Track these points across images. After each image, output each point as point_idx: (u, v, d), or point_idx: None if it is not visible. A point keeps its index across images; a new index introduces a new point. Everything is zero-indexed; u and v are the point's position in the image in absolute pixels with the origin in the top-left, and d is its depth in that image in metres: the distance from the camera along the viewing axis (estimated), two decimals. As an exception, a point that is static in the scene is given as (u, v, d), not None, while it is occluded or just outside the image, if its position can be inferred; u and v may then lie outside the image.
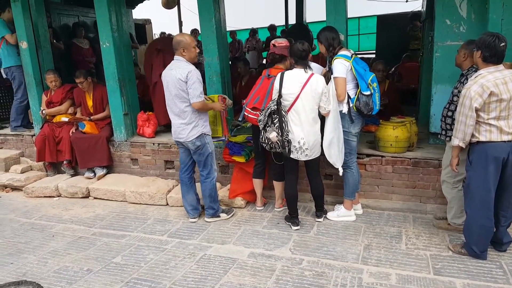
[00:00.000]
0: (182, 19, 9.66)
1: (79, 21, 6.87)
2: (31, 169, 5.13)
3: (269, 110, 3.15)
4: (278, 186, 3.70)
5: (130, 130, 4.74)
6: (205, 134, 3.37)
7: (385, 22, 8.19)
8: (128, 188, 4.27)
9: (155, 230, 3.60)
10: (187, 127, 3.33)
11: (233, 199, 3.92)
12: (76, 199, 4.50)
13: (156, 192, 4.15)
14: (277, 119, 3.14)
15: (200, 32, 9.89)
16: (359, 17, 10.46)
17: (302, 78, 3.12)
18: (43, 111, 4.92)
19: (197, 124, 3.33)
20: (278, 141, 3.14)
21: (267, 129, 3.17)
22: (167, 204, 4.15)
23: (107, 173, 4.75)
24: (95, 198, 4.47)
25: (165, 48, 4.83)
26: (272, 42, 3.55)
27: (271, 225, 3.51)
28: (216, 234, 3.42)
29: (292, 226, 3.39)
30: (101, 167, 4.68)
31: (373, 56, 8.53)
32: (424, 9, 5.52)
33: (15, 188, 4.89)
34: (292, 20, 9.77)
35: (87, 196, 4.50)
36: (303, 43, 3.18)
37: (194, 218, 3.67)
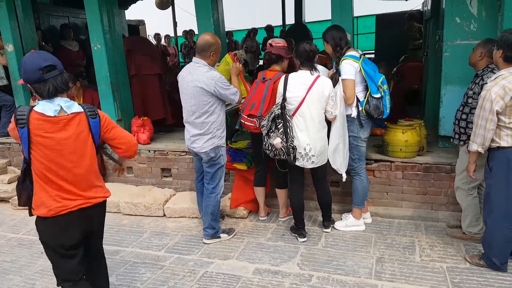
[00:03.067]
0: (176, 20, 9.43)
1: (69, 22, 6.62)
2: (19, 179, 4.86)
3: (272, 114, 2.95)
4: (281, 194, 3.50)
5: (123, 136, 4.49)
6: (220, 146, 3.12)
7: (384, 22, 8.04)
8: (123, 198, 4.04)
9: (152, 244, 3.37)
10: (203, 137, 3.06)
11: (235, 209, 3.71)
12: (67, 211, 4.25)
13: (152, 202, 3.92)
14: (281, 124, 2.94)
15: (196, 33, 9.72)
16: (357, 17, 10.31)
17: (308, 80, 2.93)
18: (31, 118, 4.67)
19: (214, 135, 3.06)
20: (282, 148, 2.94)
21: (271, 134, 2.97)
22: (164, 215, 3.93)
23: (100, 182, 4.50)
24: (87, 209, 4.22)
25: (135, 48, 4.72)
26: (269, 41, 3.36)
27: (276, 237, 3.30)
28: (217, 248, 3.20)
29: (298, 238, 3.19)
30: (93, 176, 4.43)
31: (372, 56, 8.39)
32: (428, 8, 5.38)
33: (1, 200, 4.62)
34: (290, 20, 9.60)
35: (78, 207, 4.25)
36: (310, 44, 2.98)
37: None
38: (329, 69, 3.34)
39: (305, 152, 2.99)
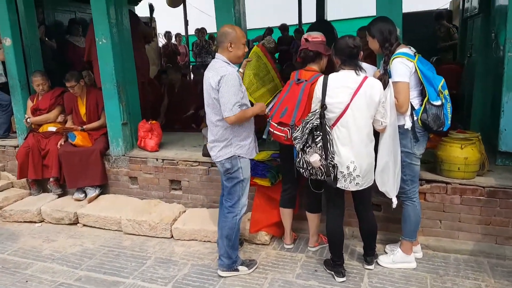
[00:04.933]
0: (188, 18, 8.95)
1: (75, 17, 6.17)
2: (12, 186, 4.38)
3: (309, 125, 2.38)
4: (313, 219, 2.92)
5: (129, 142, 3.98)
6: (239, 156, 2.58)
7: (411, 21, 7.39)
8: (125, 214, 3.50)
9: (157, 275, 2.81)
10: (218, 144, 2.58)
11: (255, 233, 3.14)
12: (62, 226, 3.73)
13: (158, 221, 3.37)
14: (320, 138, 2.37)
15: (207, 32, 9.22)
16: (375, 16, 9.66)
17: (353, 82, 2.36)
18: (28, 119, 4.19)
19: (230, 142, 2.56)
20: (321, 166, 2.37)
21: (307, 150, 2.40)
22: (172, 236, 3.38)
23: (101, 193, 3.98)
24: (84, 225, 3.70)
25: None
26: (305, 36, 2.80)
27: (307, 274, 2.71)
28: (235, 285, 2.63)
29: (335, 276, 2.60)
30: (93, 187, 3.92)
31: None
32: (473, 4, 4.78)
33: (-9, 210, 4.14)
34: (306, 19, 9.02)
35: (75, 222, 3.73)
36: (354, 38, 2.42)
37: None
38: None
39: (348, 172, 2.41)
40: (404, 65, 2.44)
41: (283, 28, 8.78)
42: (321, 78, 2.45)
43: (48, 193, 4.19)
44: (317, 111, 2.42)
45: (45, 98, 4.23)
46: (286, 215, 3.01)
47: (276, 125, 2.66)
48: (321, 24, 6.95)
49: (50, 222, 3.79)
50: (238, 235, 2.75)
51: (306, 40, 2.72)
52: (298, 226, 3.21)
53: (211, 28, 8.75)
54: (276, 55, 8.80)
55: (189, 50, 9.56)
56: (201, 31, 8.42)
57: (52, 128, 4.04)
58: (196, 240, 3.30)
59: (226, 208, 2.70)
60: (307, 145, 2.40)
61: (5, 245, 3.43)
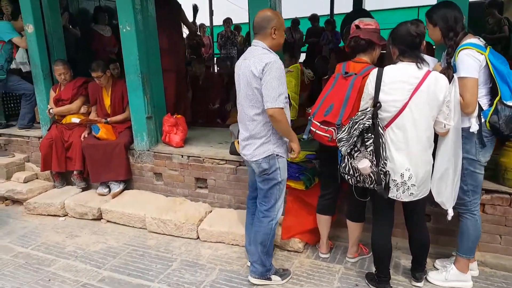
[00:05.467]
0: (213, 8, 8.66)
1: (99, 5, 6.01)
2: (37, 178, 4.30)
3: (360, 126, 2.09)
4: (355, 228, 2.65)
5: (154, 137, 3.79)
6: (277, 155, 2.33)
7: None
8: (149, 212, 3.33)
9: (183, 280, 2.62)
10: (253, 141, 2.33)
11: (288, 240, 2.90)
12: (85, 221, 3.61)
13: (184, 221, 3.18)
14: (371, 141, 2.08)
15: (233, 22, 8.86)
16: (419, 6, 9.04)
17: (414, 77, 2.05)
18: (50, 110, 4.06)
19: (268, 139, 2.31)
20: (371, 174, 2.08)
21: (355, 154, 2.12)
22: (198, 237, 3.18)
23: (125, 188, 3.83)
24: (108, 221, 3.56)
25: None
26: (356, 22, 2.48)
27: (348, 289, 2.46)
28: (268, 298, 2.41)
29: (381, 294, 2.34)
30: (117, 182, 3.77)
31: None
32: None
33: (15, 201, 4.07)
34: (339, 9, 8.54)
35: (99, 218, 3.60)
36: (417, 24, 2.10)
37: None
38: None
39: (402, 180, 2.12)
40: (473, 58, 2.10)
41: (313, 18, 8.36)
42: (375, 71, 2.14)
43: (72, 186, 4.09)
44: (368, 110, 2.13)
45: (67, 88, 4.09)
46: (324, 222, 2.75)
47: (319, 124, 2.39)
48: (359, 14, 6.47)
49: (74, 217, 3.68)
50: (273, 241, 2.53)
51: (357, 27, 2.41)
52: (334, 233, 2.95)
53: (237, 18, 8.42)
54: (304, 48, 8.42)
55: (213, 42, 9.26)
56: (226, 22, 8.09)
57: (75, 120, 3.90)
58: (224, 243, 3.10)
59: (261, 212, 2.47)
60: (356, 148, 2.12)
61: (29, 239, 3.33)
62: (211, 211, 3.39)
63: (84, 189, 3.98)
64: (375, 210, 2.35)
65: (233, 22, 8.79)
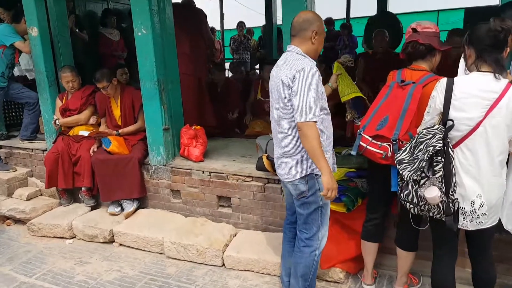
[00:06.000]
0: (224, 11, 8.36)
1: (108, 7, 5.71)
2: (41, 194, 3.97)
3: (429, 148, 1.76)
4: (406, 257, 2.32)
5: (171, 150, 3.47)
6: (317, 174, 2.02)
7: (476, 17, 6.56)
8: (168, 235, 3.00)
9: (213, 322, 2.31)
10: (288, 159, 2.05)
11: (328, 269, 2.58)
12: (95, 245, 3.28)
13: (207, 246, 2.86)
14: (440, 165, 1.76)
15: (246, 26, 8.53)
16: (438, 10, 8.78)
17: (491, 91, 1.72)
18: (57, 121, 3.74)
19: (304, 157, 2.01)
20: (440, 203, 1.76)
21: (423, 182, 1.79)
22: (223, 265, 2.86)
23: (138, 207, 3.50)
24: (121, 245, 3.23)
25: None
26: (413, 25, 2.18)
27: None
28: None
29: None
30: (130, 200, 3.44)
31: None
32: None
33: (17, 221, 3.73)
34: (355, 13, 8.26)
35: (110, 241, 3.27)
36: (503, 18, 1.78)
37: None
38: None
39: (471, 209, 1.80)
40: None
41: (328, 22, 8.08)
42: (443, 82, 1.83)
43: (79, 204, 3.76)
44: (436, 128, 1.81)
45: (75, 97, 3.77)
46: (369, 250, 2.43)
47: (370, 139, 2.08)
48: (385, 17, 6.17)
49: (82, 239, 3.35)
50: (316, 274, 2.21)
51: (414, 30, 2.11)
52: (378, 260, 2.61)
53: (248, 22, 8.12)
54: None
55: (223, 47, 8.96)
56: (239, 26, 7.77)
57: (83, 132, 3.58)
58: (253, 271, 2.77)
59: (301, 240, 2.16)
60: (423, 174, 1.80)
61: (34, 266, 3.00)
62: (236, 234, 3.06)
63: (93, 208, 3.65)
64: (437, 241, 2.03)
65: (246, 26, 8.52)
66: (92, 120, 3.78)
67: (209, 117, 4.11)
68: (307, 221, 2.11)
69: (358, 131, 2.16)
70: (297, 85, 1.89)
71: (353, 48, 7.71)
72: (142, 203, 3.55)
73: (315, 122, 1.89)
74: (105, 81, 3.40)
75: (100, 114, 3.71)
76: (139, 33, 3.21)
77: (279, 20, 7.03)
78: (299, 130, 1.91)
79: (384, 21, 5.04)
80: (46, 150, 3.92)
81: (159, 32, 3.25)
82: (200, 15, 4.18)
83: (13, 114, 4.93)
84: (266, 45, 7.97)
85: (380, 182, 2.23)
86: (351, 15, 8.38)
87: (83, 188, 3.62)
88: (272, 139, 3.05)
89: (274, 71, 2.08)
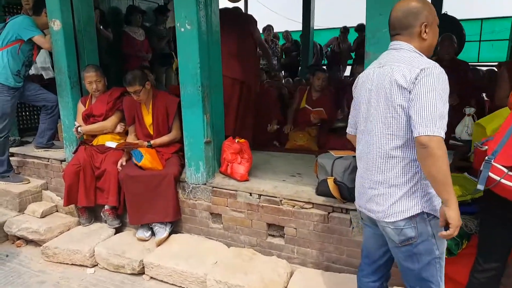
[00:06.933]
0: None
1: (133, 4, 5.27)
2: (57, 211, 3.48)
3: None
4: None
5: (211, 166, 2.98)
6: (429, 214, 1.52)
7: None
8: (211, 272, 2.49)
9: None
10: (389, 191, 1.55)
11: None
12: (122, 276, 2.77)
13: (262, 289, 2.34)
14: None
15: (273, 30, 8.03)
16: (482, 19, 8.27)
17: None
18: (79, 128, 3.26)
19: (415, 188, 1.52)
20: None
21: None
22: (281, 312, 2.34)
23: (171, 231, 3.00)
24: (152, 278, 2.72)
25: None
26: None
27: None
28: None
29: None
30: (163, 224, 2.93)
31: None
32: None
33: (29, 242, 3.24)
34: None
35: (140, 273, 2.76)
36: None
37: None
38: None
39: None
40: None
41: (360, 28, 7.60)
42: None
43: (102, 224, 3.26)
44: None
45: (101, 101, 3.30)
46: (481, 308, 1.90)
47: (504, 169, 1.56)
48: (444, 21, 5.61)
49: (106, 269, 2.84)
50: None
51: None
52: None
53: (276, 26, 7.68)
54: (350, 61, 7.66)
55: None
56: (267, 30, 7.31)
57: (111, 144, 3.07)
58: (319, 323, 2.25)
59: None
60: None
61: (48, 303, 2.51)
62: (292, 273, 2.54)
63: (117, 230, 3.15)
64: None
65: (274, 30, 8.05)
66: (119, 128, 3.30)
67: (246, 130, 3.60)
68: (420, 277, 1.60)
69: (486, 158, 1.65)
70: (421, 87, 1.40)
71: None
72: (175, 226, 3.05)
73: (443, 138, 1.39)
74: (137, 85, 2.93)
75: (128, 121, 3.22)
76: (182, 29, 2.73)
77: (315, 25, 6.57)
78: (421, 148, 1.39)
79: (445, 27, 4.52)
80: (65, 161, 3.45)
81: (204, 28, 2.77)
82: (248, 17, 3.75)
83: (27, 117, 4.47)
84: (289, 51, 7.52)
85: (505, 225, 1.72)
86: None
87: (106, 207, 3.13)
88: (338, 158, 2.58)
89: (372, 72, 1.61)
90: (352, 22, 7.70)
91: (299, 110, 4.17)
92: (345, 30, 7.60)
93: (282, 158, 3.58)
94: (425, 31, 1.54)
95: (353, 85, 1.78)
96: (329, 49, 7.80)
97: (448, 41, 3.61)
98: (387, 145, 1.53)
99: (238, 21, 3.55)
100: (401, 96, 1.46)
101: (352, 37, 7.78)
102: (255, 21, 3.85)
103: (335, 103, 4.34)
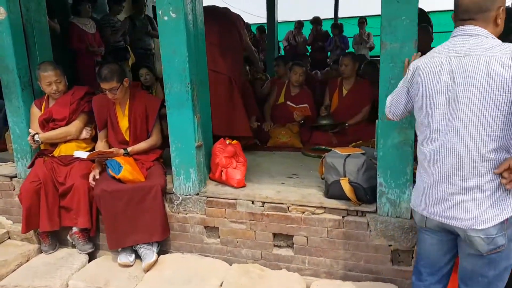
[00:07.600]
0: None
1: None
2: (9, 238, 2.88)
3: None
4: None
5: (203, 174, 2.62)
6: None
7: None
8: (218, 296, 2.17)
9: None
10: (479, 197, 1.39)
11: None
12: (105, 312, 2.32)
13: (282, 311, 2.07)
14: None
15: (248, 26, 7.68)
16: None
17: None
18: (35, 136, 2.70)
19: (504, 192, 1.39)
20: None
21: None
22: (304, 335, 2.10)
23: (159, 251, 2.59)
24: (143, 311, 2.32)
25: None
26: None
27: None
28: None
29: None
30: (149, 245, 2.52)
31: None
32: None
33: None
34: (345, 13, 7.88)
35: (127, 306, 2.34)
36: None
37: None
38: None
39: None
40: None
41: (315, 21, 7.59)
42: None
43: (69, 249, 2.74)
44: None
45: (62, 102, 2.76)
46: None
47: None
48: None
49: (84, 305, 2.37)
50: None
51: None
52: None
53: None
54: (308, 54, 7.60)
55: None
56: (298, 25, 6.93)
57: (80, 154, 2.54)
58: None
59: None
60: None
61: None
62: (308, 287, 2.30)
63: (90, 255, 2.67)
64: None
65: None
66: (85, 134, 2.79)
67: (242, 126, 3.29)
68: (492, 282, 1.47)
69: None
70: None
71: (345, 49, 7.32)
72: (162, 245, 2.65)
73: None
74: (115, 81, 2.48)
75: (99, 125, 2.73)
76: (166, 17, 2.33)
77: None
78: None
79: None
80: (16, 177, 2.86)
81: (191, 17, 2.41)
82: (238, 16, 3.44)
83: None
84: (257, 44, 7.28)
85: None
86: (339, 15, 8.00)
87: (74, 229, 2.63)
88: (348, 156, 2.39)
89: (450, 62, 1.41)
90: (308, 16, 7.67)
91: (277, 105, 3.95)
92: (299, 24, 7.56)
93: (268, 157, 3.34)
94: (499, 17, 1.42)
95: (407, 73, 1.60)
96: (281, 45, 7.69)
97: (423, 32, 3.62)
98: (483, 147, 1.36)
99: (218, 11, 3.22)
100: (504, 91, 1.30)
101: (307, 31, 7.75)
102: (244, 22, 3.59)
103: (315, 99, 4.18)
